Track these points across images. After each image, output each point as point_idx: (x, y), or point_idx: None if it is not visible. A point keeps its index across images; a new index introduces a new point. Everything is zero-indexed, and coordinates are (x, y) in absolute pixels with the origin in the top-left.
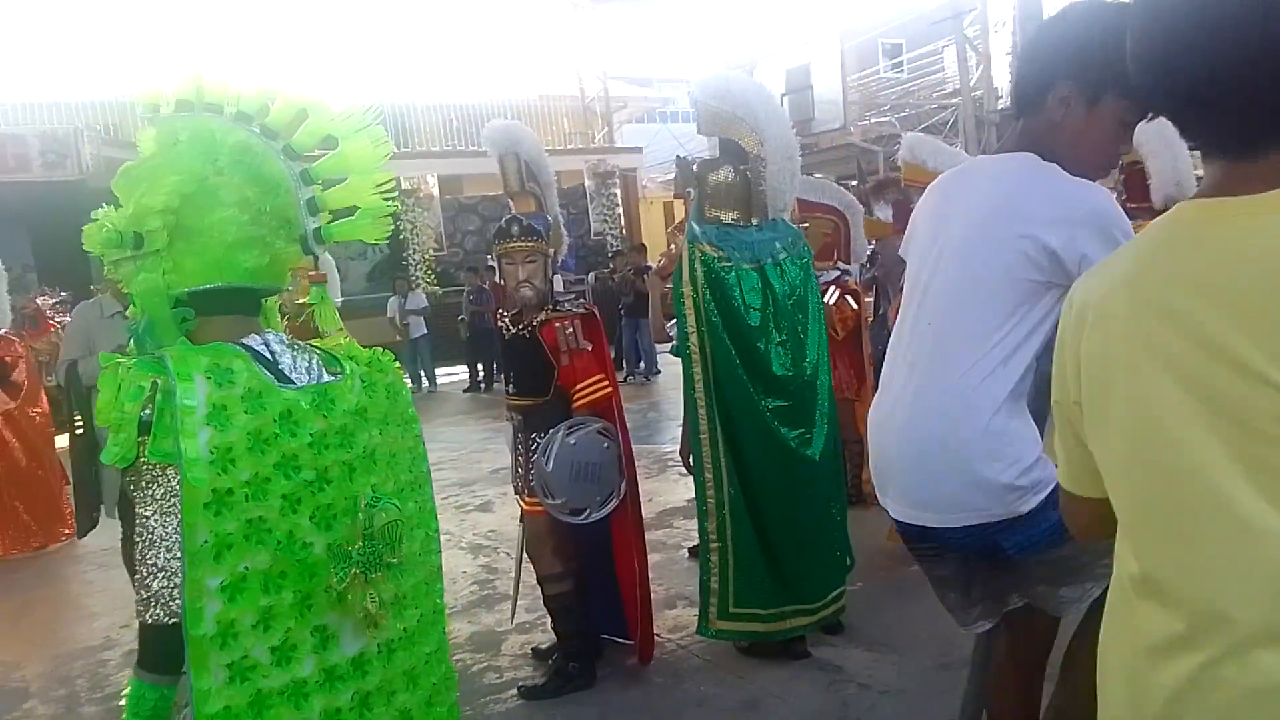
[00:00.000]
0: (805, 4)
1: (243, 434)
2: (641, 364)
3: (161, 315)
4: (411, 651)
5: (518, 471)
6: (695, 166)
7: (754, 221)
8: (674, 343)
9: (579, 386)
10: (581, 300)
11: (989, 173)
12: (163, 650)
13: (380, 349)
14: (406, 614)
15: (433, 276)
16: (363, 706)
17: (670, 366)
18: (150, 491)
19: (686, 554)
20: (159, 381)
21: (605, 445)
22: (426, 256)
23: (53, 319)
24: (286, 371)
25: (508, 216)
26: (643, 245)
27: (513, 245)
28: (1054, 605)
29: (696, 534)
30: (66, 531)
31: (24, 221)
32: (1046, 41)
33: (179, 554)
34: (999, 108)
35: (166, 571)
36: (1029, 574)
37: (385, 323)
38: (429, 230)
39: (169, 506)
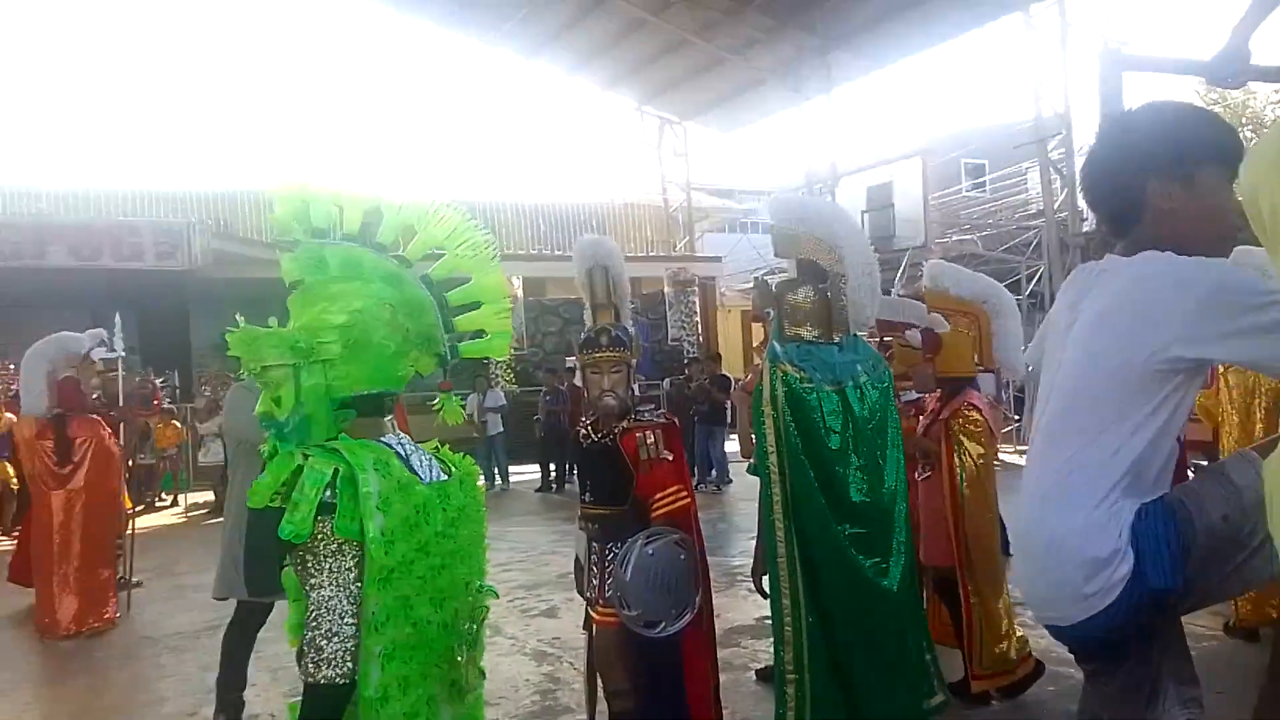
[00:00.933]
0: (888, 124)
1: (398, 520)
2: (713, 473)
3: (321, 413)
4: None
5: (590, 581)
6: (774, 287)
7: (835, 339)
8: (750, 462)
9: (658, 497)
10: (660, 410)
11: (1116, 270)
12: (331, 709)
13: (463, 454)
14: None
15: (511, 375)
16: None
17: (743, 477)
18: (327, 564)
19: (754, 676)
20: (339, 469)
21: (682, 557)
22: (508, 355)
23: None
24: (415, 467)
25: (596, 327)
26: (719, 354)
27: (600, 355)
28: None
29: (765, 654)
30: (108, 614)
31: (134, 306)
32: (1116, 157)
33: (352, 621)
34: (1083, 230)
35: (340, 636)
36: (1211, 594)
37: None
38: (512, 330)
39: (343, 579)
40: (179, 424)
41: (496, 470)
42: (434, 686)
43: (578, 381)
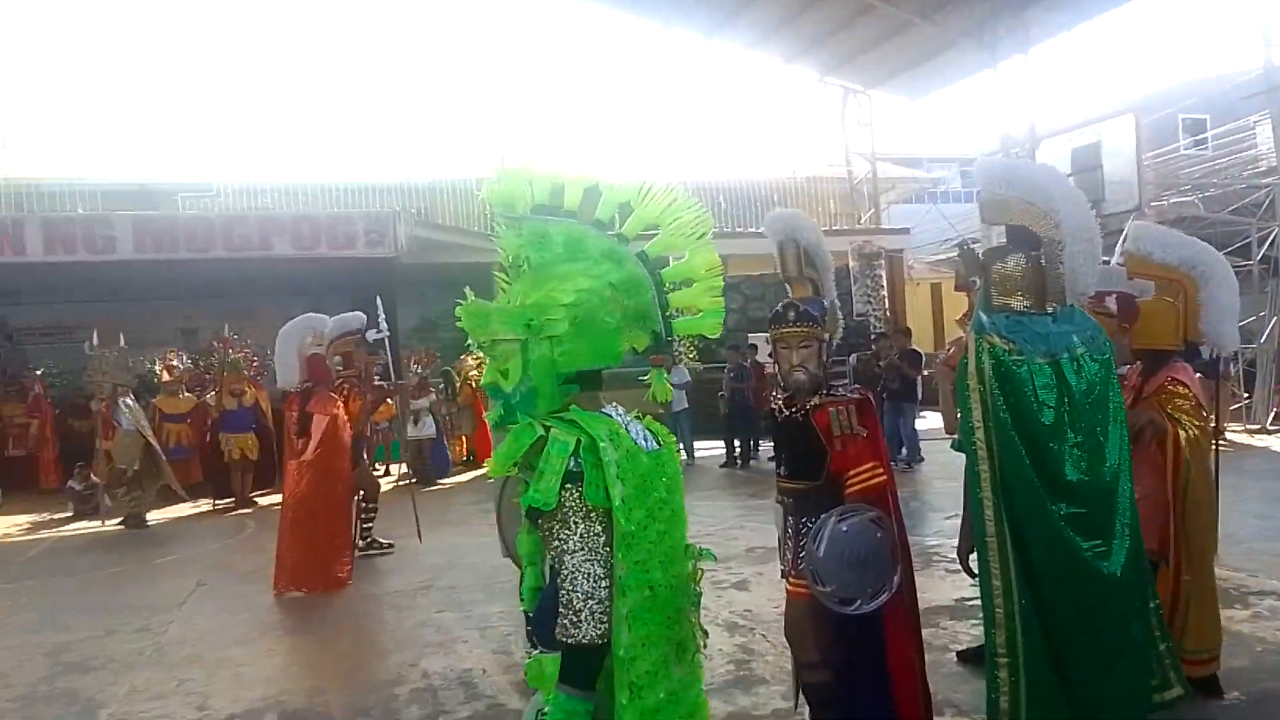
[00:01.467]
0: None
1: (631, 488)
2: (904, 451)
3: (547, 387)
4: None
5: (785, 555)
6: (981, 255)
7: (1049, 309)
8: (954, 438)
9: (852, 473)
10: (854, 385)
11: None
12: (588, 667)
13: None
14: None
15: (694, 352)
16: None
17: (934, 455)
18: (578, 530)
19: (955, 658)
20: (581, 439)
21: (878, 535)
22: (719, 333)
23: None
24: (635, 438)
25: (784, 301)
26: (908, 329)
27: (787, 330)
28: None
29: (965, 636)
30: (342, 575)
31: (347, 292)
32: None
33: (606, 584)
34: None
35: (595, 598)
36: None
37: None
38: (724, 308)
39: (593, 544)
40: (390, 400)
41: (681, 446)
42: (666, 646)
43: (760, 358)
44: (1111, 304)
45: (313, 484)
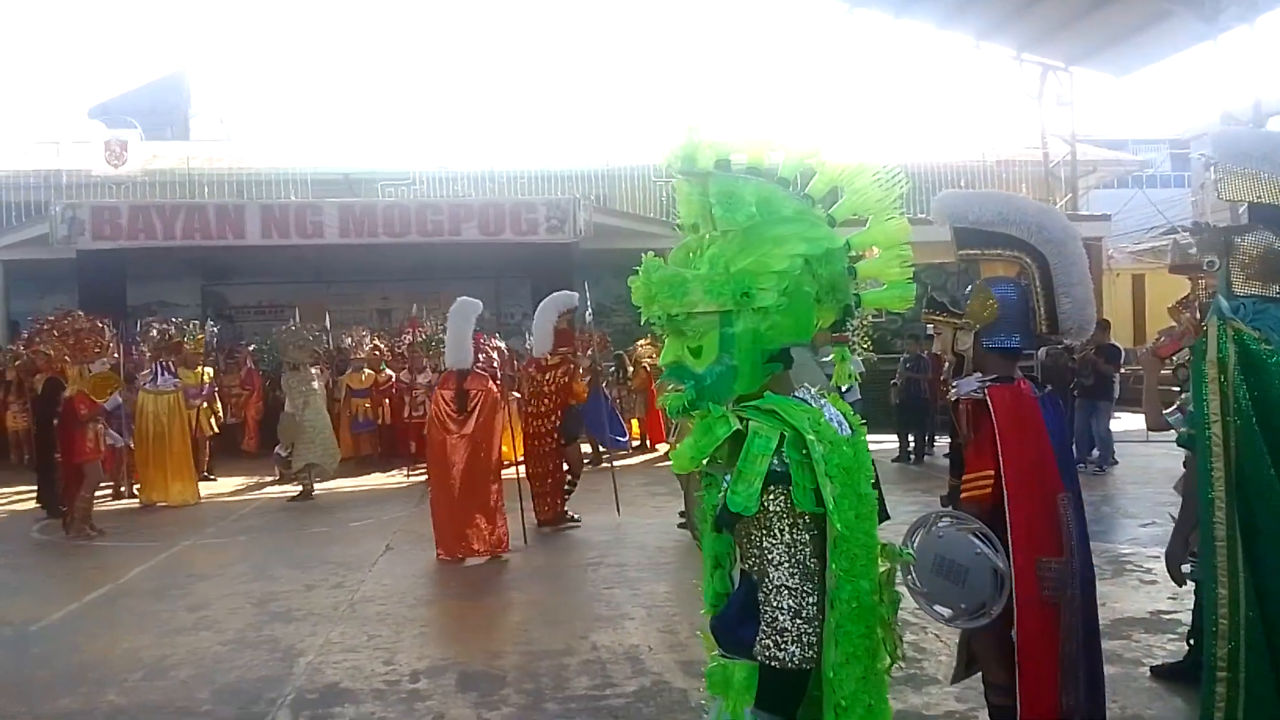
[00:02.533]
0: None
1: (839, 485)
2: (1095, 452)
3: (747, 366)
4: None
5: None
6: (1221, 233)
7: None
8: (1180, 432)
9: (965, 477)
10: (990, 379)
11: None
12: (793, 693)
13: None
14: None
15: (868, 342)
16: None
17: (1128, 457)
18: (784, 539)
19: (1149, 673)
20: (785, 434)
21: (976, 551)
22: (864, 321)
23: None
24: (833, 425)
25: (933, 289)
26: (1106, 321)
27: (928, 318)
28: None
29: (1161, 650)
30: (496, 542)
31: (528, 276)
32: None
33: (815, 600)
34: None
35: (803, 615)
36: None
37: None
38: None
39: (800, 555)
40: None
41: None
42: (868, 659)
43: (936, 349)
44: None
45: (472, 456)
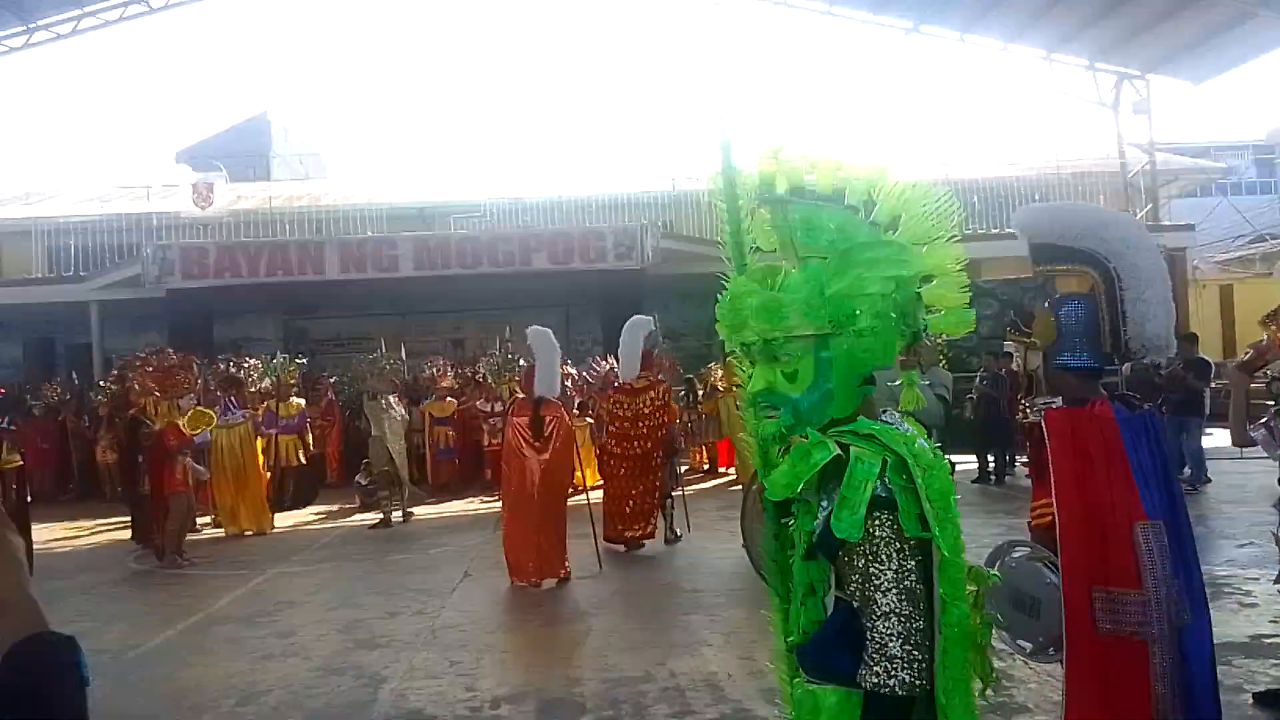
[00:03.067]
0: None
1: (939, 508)
2: (1187, 470)
3: (846, 389)
4: None
5: None
6: None
7: None
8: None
9: (1031, 505)
10: (1045, 405)
11: None
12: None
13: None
14: None
15: (943, 360)
16: None
17: (1222, 475)
18: (891, 565)
19: (1250, 699)
20: (888, 459)
21: (1047, 581)
22: (938, 341)
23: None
24: (922, 446)
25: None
26: (1193, 335)
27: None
28: None
29: (1264, 676)
30: (563, 571)
31: (596, 303)
32: None
33: (921, 624)
34: None
35: (911, 641)
36: None
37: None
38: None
39: (907, 580)
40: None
41: None
42: (969, 682)
43: (1014, 366)
44: None
45: (547, 482)
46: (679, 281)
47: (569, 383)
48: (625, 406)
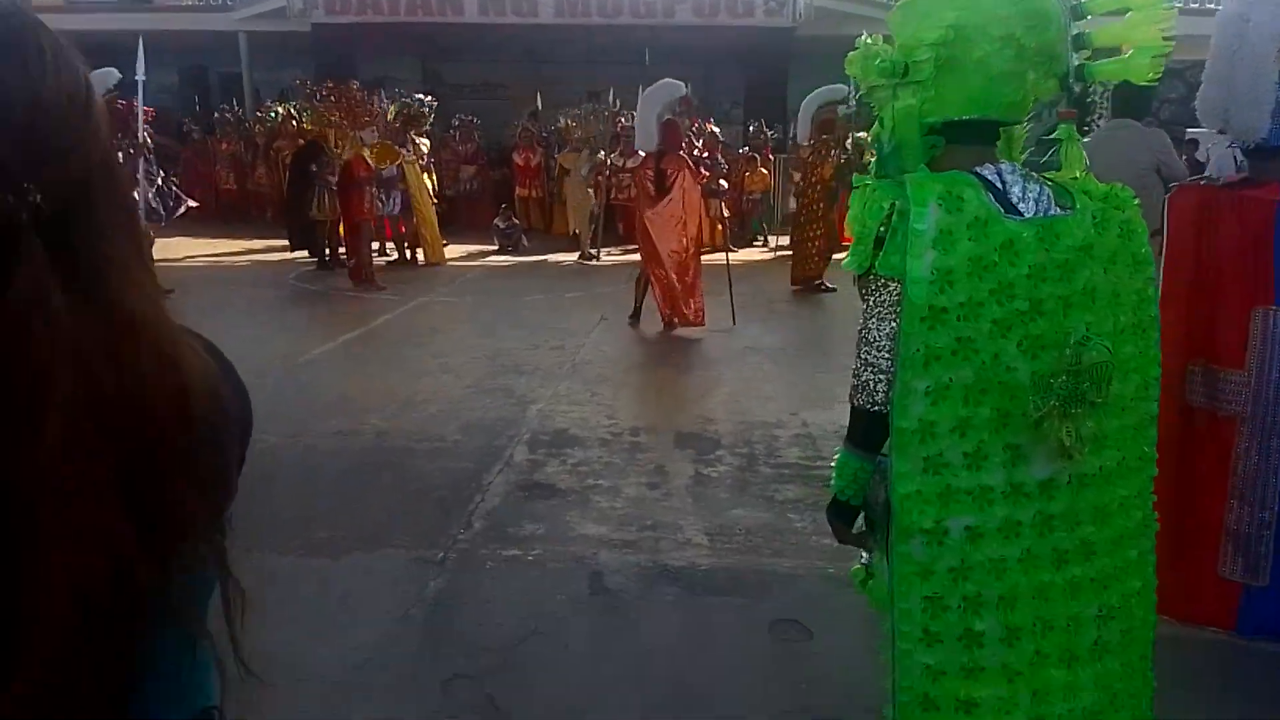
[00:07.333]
0: None
1: (963, 259)
2: None
3: (912, 140)
4: (1104, 490)
5: None
6: None
7: None
8: None
9: None
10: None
11: None
12: (861, 430)
13: (1119, 184)
14: (1106, 453)
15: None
16: (1044, 526)
17: None
18: (874, 298)
19: None
20: (896, 203)
21: None
22: (1099, 96)
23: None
24: (1015, 202)
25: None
26: None
27: None
28: None
29: None
30: (690, 315)
31: (740, 62)
32: None
33: (888, 355)
34: None
35: (875, 367)
36: None
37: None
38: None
39: (886, 314)
40: (765, 171)
41: None
42: (1018, 436)
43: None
44: None
45: (671, 232)
46: (833, 44)
47: (700, 140)
48: (804, 166)
